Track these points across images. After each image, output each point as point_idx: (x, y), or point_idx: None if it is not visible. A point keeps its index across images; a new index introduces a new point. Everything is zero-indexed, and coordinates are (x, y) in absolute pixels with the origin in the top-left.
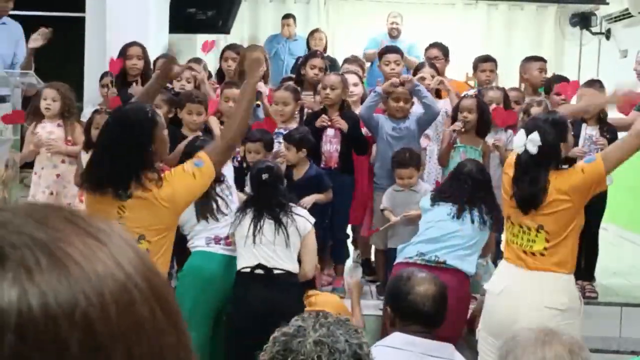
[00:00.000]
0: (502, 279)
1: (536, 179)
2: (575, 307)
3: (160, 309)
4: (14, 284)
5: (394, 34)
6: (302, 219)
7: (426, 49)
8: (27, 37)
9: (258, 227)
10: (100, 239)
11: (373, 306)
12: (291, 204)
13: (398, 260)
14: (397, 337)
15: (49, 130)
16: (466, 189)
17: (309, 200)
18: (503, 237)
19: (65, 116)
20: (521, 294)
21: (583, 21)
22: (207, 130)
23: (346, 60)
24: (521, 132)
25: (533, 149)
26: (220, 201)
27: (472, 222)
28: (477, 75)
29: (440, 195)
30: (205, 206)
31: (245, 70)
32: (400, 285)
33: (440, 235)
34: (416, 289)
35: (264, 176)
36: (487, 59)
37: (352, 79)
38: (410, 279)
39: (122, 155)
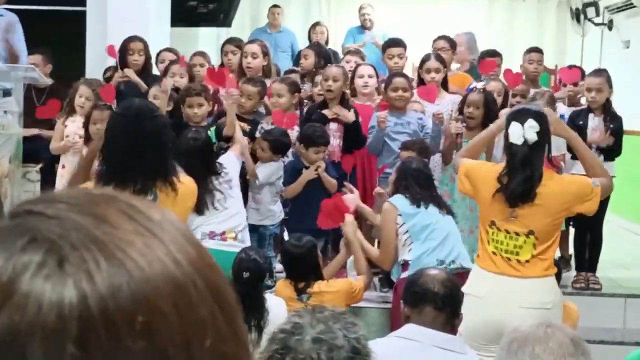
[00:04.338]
0: (483, 282)
1: (533, 168)
2: (559, 302)
3: (219, 309)
4: (75, 288)
5: (367, 25)
6: (273, 308)
7: (434, 41)
8: (30, 33)
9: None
10: (159, 235)
11: (376, 298)
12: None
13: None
14: (408, 328)
15: (78, 126)
16: (424, 185)
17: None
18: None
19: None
20: (508, 296)
21: (585, 12)
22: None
23: (348, 52)
24: (515, 124)
25: (533, 136)
26: (218, 195)
27: (453, 215)
28: (525, 66)
29: (418, 197)
30: (201, 200)
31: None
32: (413, 277)
33: (445, 236)
34: (426, 274)
35: (245, 275)
36: (534, 49)
37: (367, 70)
38: (422, 270)
39: (148, 159)
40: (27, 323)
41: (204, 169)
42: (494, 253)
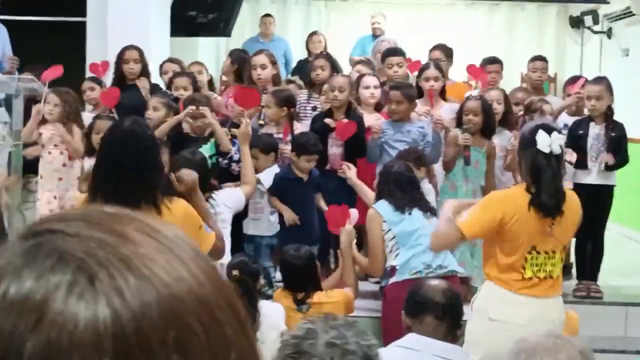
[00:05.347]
0: (523, 309)
1: (560, 180)
2: None
3: (239, 325)
4: (107, 306)
5: (377, 33)
6: (271, 317)
7: (430, 51)
8: (29, 43)
9: None
10: (178, 253)
11: (376, 307)
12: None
13: (404, 276)
14: (410, 338)
15: (53, 133)
16: (406, 188)
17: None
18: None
19: (65, 122)
20: (549, 318)
21: (584, 20)
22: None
23: (359, 62)
24: (543, 133)
25: (558, 148)
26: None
27: (436, 216)
28: (529, 75)
29: (401, 203)
30: None
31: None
32: (414, 288)
33: None
34: (427, 284)
35: (234, 273)
36: (538, 58)
37: (372, 81)
38: (422, 280)
39: (140, 180)
40: (64, 341)
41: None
42: (530, 278)
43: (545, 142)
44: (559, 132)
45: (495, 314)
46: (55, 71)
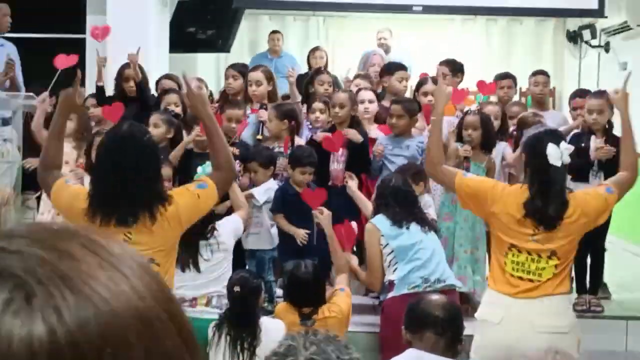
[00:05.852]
0: (500, 307)
1: (564, 190)
2: (575, 326)
3: (182, 341)
4: (43, 323)
5: (383, 49)
6: (272, 333)
7: (437, 65)
8: (29, 59)
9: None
10: (121, 269)
11: (374, 322)
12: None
13: (402, 291)
14: (410, 353)
15: (64, 151)
16: (402, 202)
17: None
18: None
19: (79, 138)
20: (526, 320)
21: (582, 34)
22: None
23: (357, 76)
24: (552, 146)
25: (567, 159)
26: (200, 259)
27: (436, 232)
28: (531, 89)
29: (399, 217)
30: (187, 256)
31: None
32: (414, 303)
33: (430, 255)
34: (427, 299)
35: (236, 289)
36: (539, 72)
37: (367, 95)
38: (422, 295)
39: (140, 183)
40: None
41: (192, 232)
42: (511, 275)
43: (557, 155)
44: (566, 140)
45: (479, 313)
46: (69, 59)
